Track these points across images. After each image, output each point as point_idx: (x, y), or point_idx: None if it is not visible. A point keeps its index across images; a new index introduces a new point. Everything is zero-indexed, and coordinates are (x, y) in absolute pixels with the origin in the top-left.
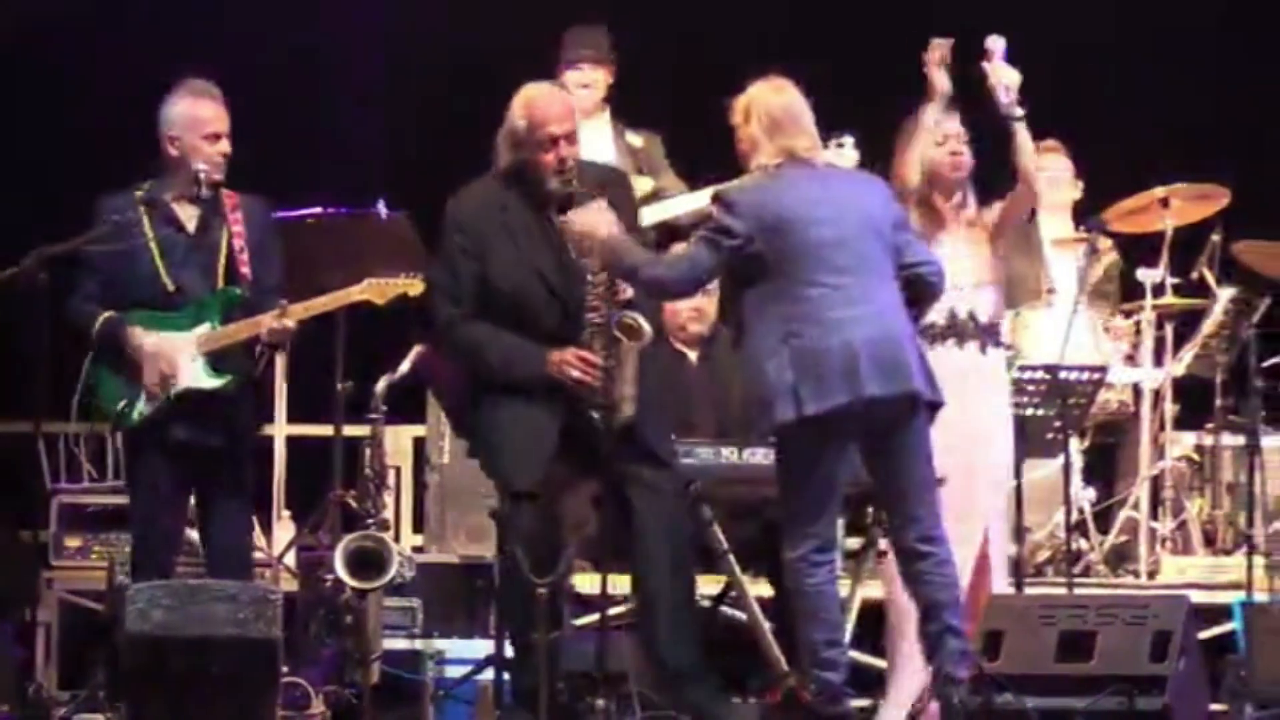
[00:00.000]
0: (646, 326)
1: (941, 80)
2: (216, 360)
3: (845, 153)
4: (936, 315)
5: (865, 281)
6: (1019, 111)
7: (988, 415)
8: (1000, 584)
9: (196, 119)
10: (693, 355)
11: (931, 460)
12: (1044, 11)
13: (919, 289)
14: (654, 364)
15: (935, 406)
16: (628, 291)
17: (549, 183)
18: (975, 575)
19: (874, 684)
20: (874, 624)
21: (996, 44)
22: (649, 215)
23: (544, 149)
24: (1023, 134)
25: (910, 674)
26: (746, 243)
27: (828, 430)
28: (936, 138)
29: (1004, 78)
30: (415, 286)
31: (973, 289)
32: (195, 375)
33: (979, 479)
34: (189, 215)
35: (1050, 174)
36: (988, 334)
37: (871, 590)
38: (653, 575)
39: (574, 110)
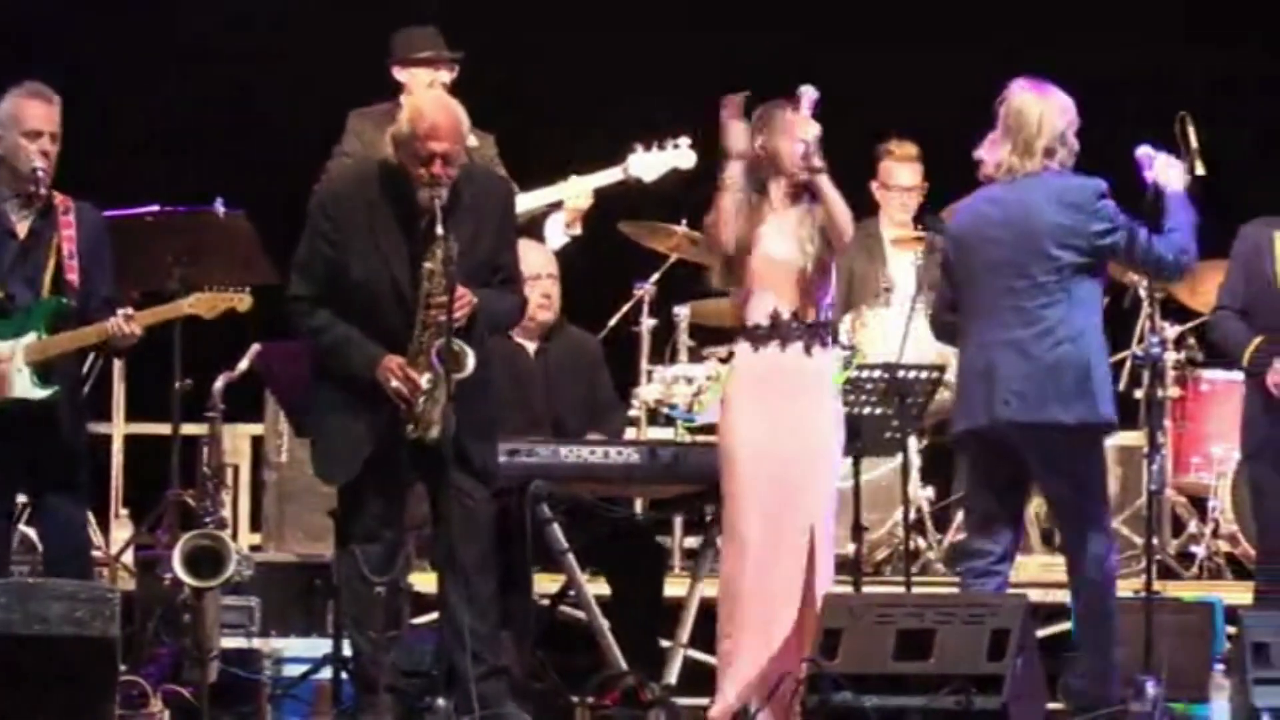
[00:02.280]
0: (470, 359)
1: (734, 136)
2: (43, 370)
3: (682, 154)
4: (760, 317)
5: (1022, 304)
6: (819, 164)
7: (814, 417)
8: (826, 584)
9: (18, 116)
10: (531, 347)
11: (1080, 482)
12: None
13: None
14: (492, 360)
15: (1092, 429)
16: (463, 321)
17: (419, 193)
18: (805, 576)
19: (713, 682)
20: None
21: (807, 95)
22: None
23: (420, 161)
24: (826, 187)
25: (734, 674)
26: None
27: (974, 447)
28: (785, 129)
29: (803, 131)
30: (244, 302)
31: (797, 290)
32: (22, 386)
33: (806, 481)
34: (21, 220)
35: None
36: (814, 335)
37: (713, 589)
38: (455, 580)
39: (461, 130)
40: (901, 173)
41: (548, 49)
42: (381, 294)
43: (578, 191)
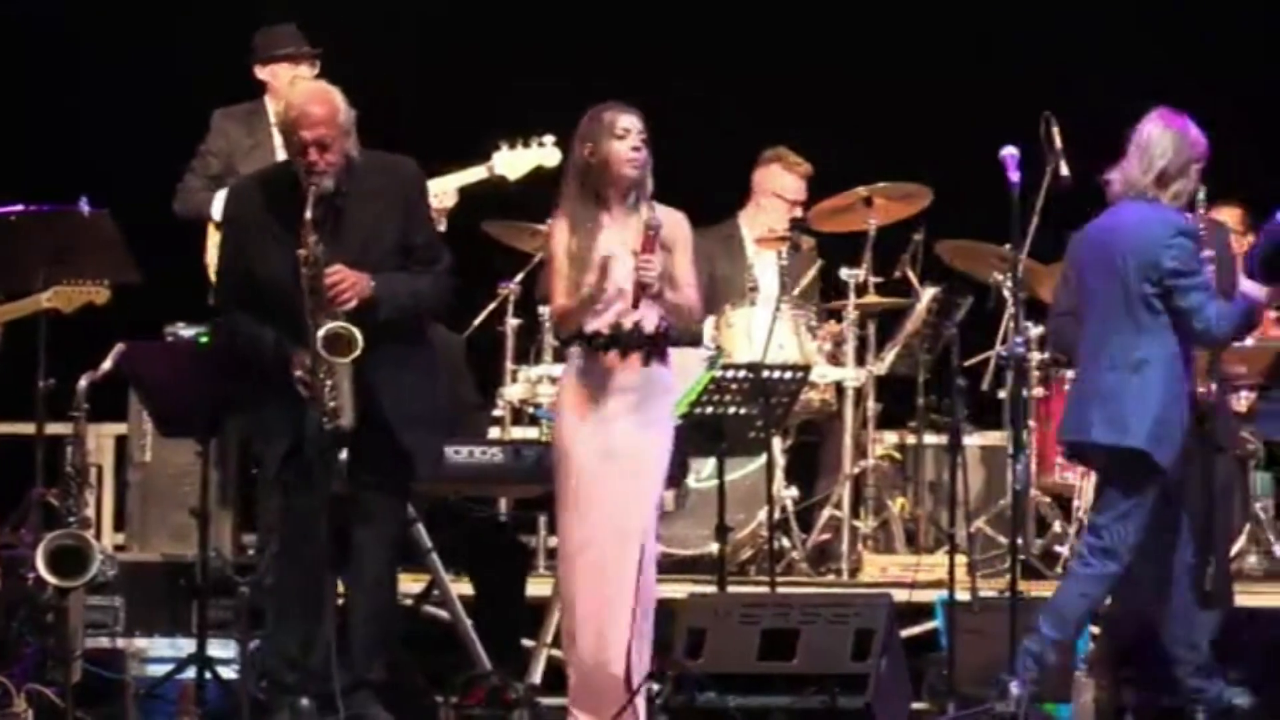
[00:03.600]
0: (358, 340)
1: None
2: None
3: (547, 152)
4: (601, 325)
5: (1098, 325)
6: (654, 292)
7: (647, 429)
8: (651, 586)
9: None
10: None
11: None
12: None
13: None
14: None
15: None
16: (350, 303)
17: (306, 182)
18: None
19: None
20: None
21: (651, 228)
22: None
23: (298, 151)
24: (669, 301)
25: (583, 675)
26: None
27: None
28: (616, 130)
29: (645, 275)
30: (101, 295)
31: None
32: None
33: (638, 491)
34: None
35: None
36: (652, 344)
37: None
38: (357, 584)
39: (334, 114)
40: (791, 184)
41: (412, 45)
42: (289, 289)
43: (441, 190)
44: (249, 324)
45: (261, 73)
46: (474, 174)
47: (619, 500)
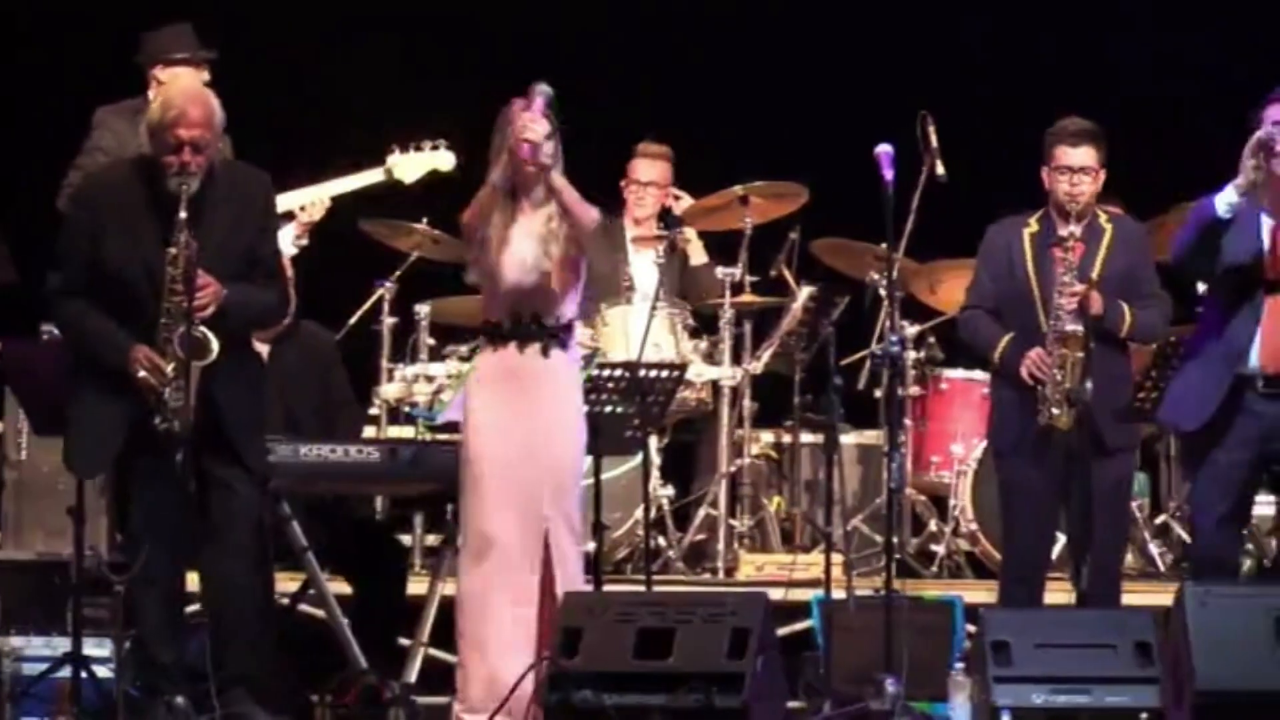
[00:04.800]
0: (214, 345)
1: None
2: None
3: (441, 155)
4: (501, 316)
5: None
6: (546, 160)
7: (551, 418)
8: (573, 583)
9: None
10: (264, 349)
11: None
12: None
13: None
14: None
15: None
16: (209, 310)
17: (169, 181)
18: (544, 576)
19: (454, 680)
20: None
21: (539, 93)
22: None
23: (168, 148)
24: (558, 184)
25: (477, 673)
26: None
27: None
28: (519, 129)
29: (531, 133)
30: None
31: (539, 291)
32: None
33: (546, 482)
34: None
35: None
36: (552, 337)
37: (453, 587)
38: (222, 579)
39: (211, 117)
40: (642, 168)
41: (306, 49)
42: (138, 284)
43: (312, 201)
44: (87, 312)
45: (162, 74)
46: (370, 177)
47: (529, 493)
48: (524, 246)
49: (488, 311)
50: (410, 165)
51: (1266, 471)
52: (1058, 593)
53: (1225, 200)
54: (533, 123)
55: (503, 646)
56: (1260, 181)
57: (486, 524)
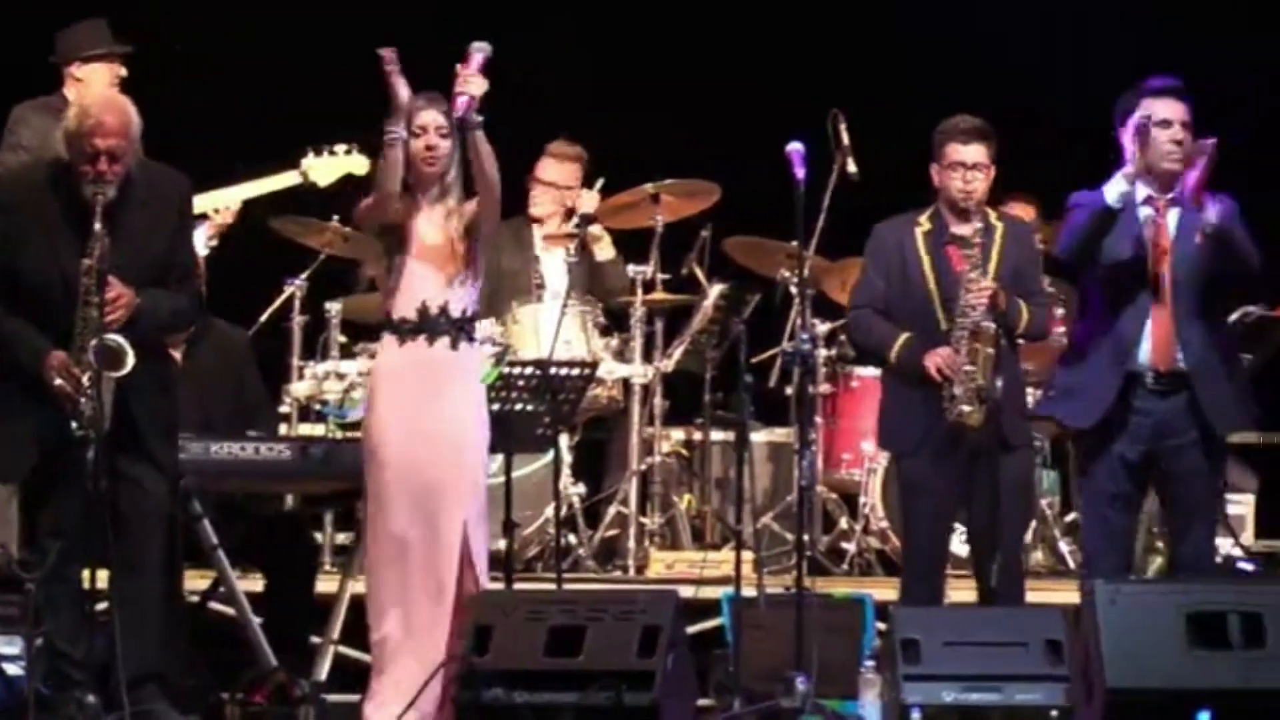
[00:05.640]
0: (129, 356)
1: (402, 90)
2: None
3: (355, 159)
4: (407, 310)
5: None
6: (477, 119)
7: (461, 412)
8: (484, 580)
9: None
10: (177, 353)
11: None
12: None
13: None
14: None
15: None
16: (121, 319)
17: (85, 189)
18: (459, 574)
19: (363, 678)
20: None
21: (479, 51)
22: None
23: (85, 157)
24: (479, 143)
25: (387, 671)
26: None
27: None
28: (413, 129)
29: (471, 87)
30: None
31: (445, 284)
32: None
33: (453, 476)
34: None
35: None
36: (460, 329)
37: (363, 585)
38: (132, 577)
39: (128, 125)
40: (549, 168)
41: (221, 49)
42: (53, 291)
43: (225, 204)
44: (7, 318)
45: (79, 71)
46: (284, 180)
47: (434, 486)
48: (429, 240)
49: (392, 306)
50: (325, 168)
51: (1155, 468)
52: (963, 590)
53: (1116, 189)
54: (472, 78)
55: (413, 644)
56: (1143, 167)
57: (392, 522)
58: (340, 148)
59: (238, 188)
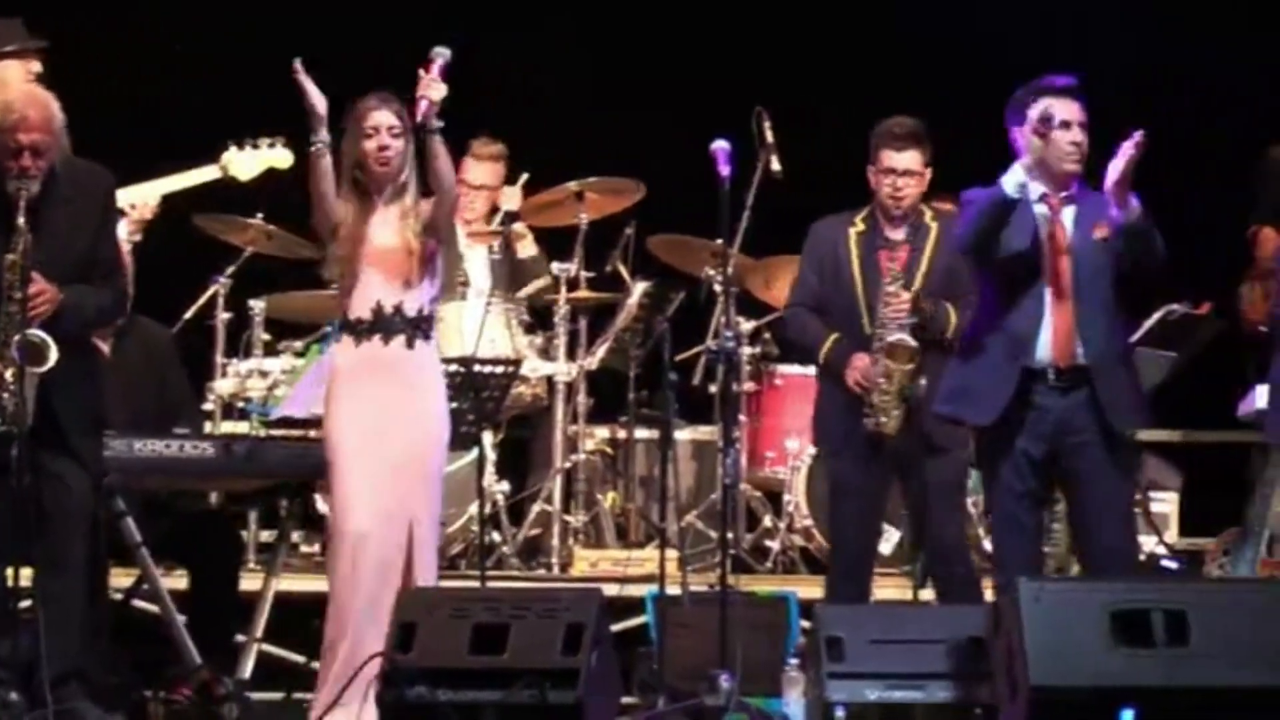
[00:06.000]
0: (52, 352)
1: (313, 95)
2: None
3: (278, 153)
4: (362, 310)
5: None
6: (437, 123)
7: (417, 410)
8: (428, 577)
9: None
10: (105, 347)
11: None
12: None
13: None
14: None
15: None
16: (44, 315)
17: (8, 185)
18: (405, 570)
19: (287, 676)
20: (290, 618)
21: (440, 55)
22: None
23: (8, 153)
24: (437, 147)
25: (340, 668)
26: None
27: None
28: (365, 129)
29: (432, 92)
30: None
31: (400, 284)
32: None
33: (409, 474)
34: None
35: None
36: (415, 328)
37: (287, 584)
38: (55, 574)
39: (51, 120)
40: (474, 170)
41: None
42: None
43: (143, 199)
44: None
45: None
46: (204, 175)
47: (392, 484)
48: (384, 239)
49: (347, 306)
50: (246, 163)
51: (1058, 466)
52: (891, 589)
53: (1014, 180)
54: (434, 83)
55: (366, 641)
56: (1039, 161)
57: (351, 520)
58: (264, 142)
59: (156, 182)
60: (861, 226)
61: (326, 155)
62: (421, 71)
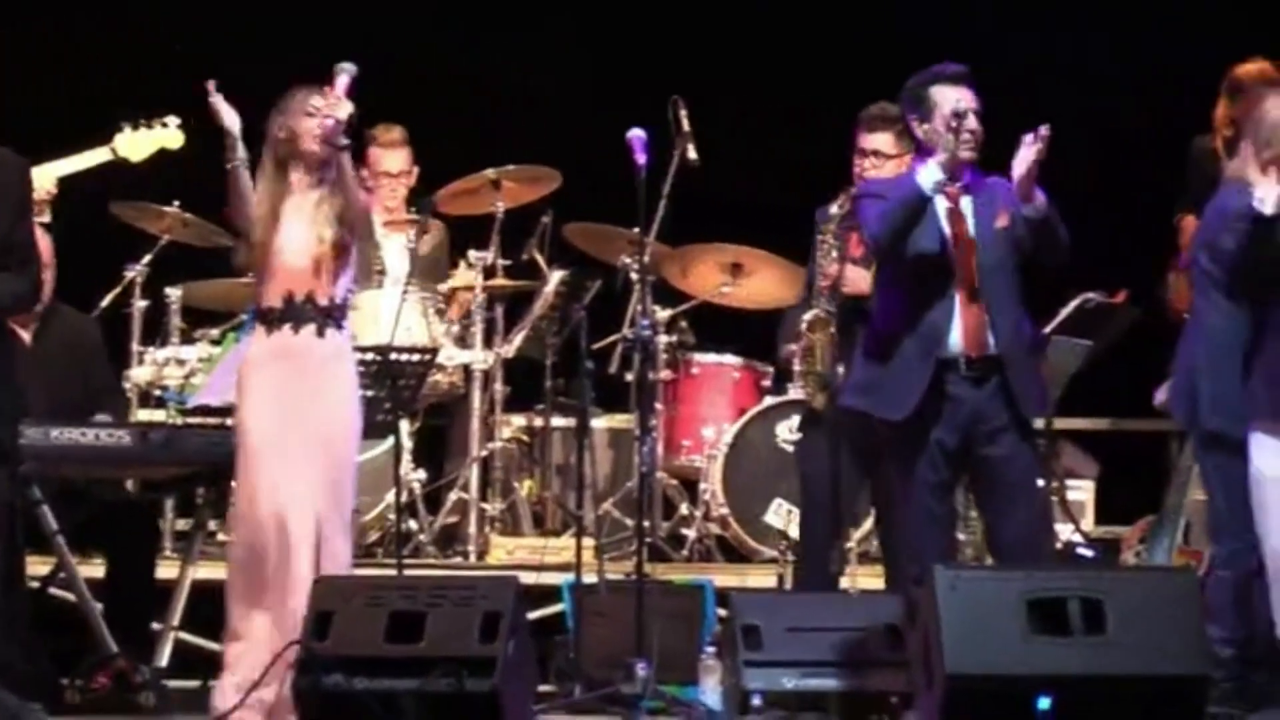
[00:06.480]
0: None
1: (227, 115)
2: None
3: (170, 133)
4: (274, 299)
5: None
6: (343, 142)
7: (329, 400)
8: (342, 568)
9: None
10: (26, 334)
11: None
12: None
13: None
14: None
15: None
16: None
17: None
18: (314, 559)
19: (204, 664)
20: (207, 606)
21: (344, 72)
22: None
23: None
24: (346, 164)
25: (245, 658)
26: None
27: None
28: (306, 108)
29: (338, 110)
30: None
31: (312, 273)
32: None
33: (319, 464)
34: None
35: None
36: (327, 317)
37: (204, 572)
38: None
39: None
40: (388, 159)
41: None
42: None
43: (38, 182)
44: None
45: None
46: (96, 156)
47: (304, 477)
48: (297, 228)
49: (260, 295)
50: (137, 143)
51: (971, 454)
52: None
53: (931, 177)
54: (339, 102)
55: (271, 631)
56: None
57: (259, 509)
58: (156, 122)
59: (50, 165)
60: (838, 209)
61: (244, 172)
62: (325, 90)
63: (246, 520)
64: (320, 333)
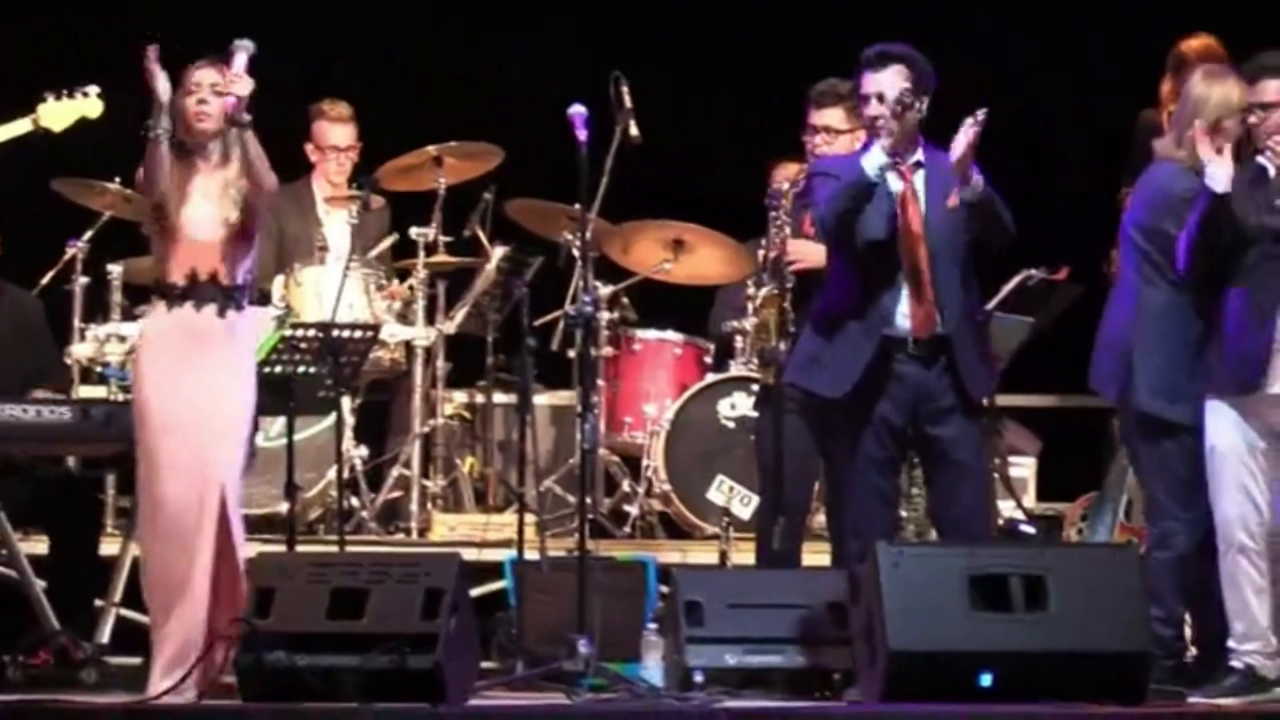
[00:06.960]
0: None
1: (161, 84)
2: None
3: (90, 102)
4: (177, 276)
5: None
6: (246, 118)
7: (224, 379)
8: (241, 547)
9: None
10: None
11: None
12: None
13: None
14: None
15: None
16: None
17: None
18: (219, 536)
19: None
20: None
21: (242, 49)
22: None
23: None
24: (249, 143)
25: (169, 636)
26: None
27: None
28: (188, 86)
29: (238, 87)
30: None
31: (216, 253)
32: None
33: (216, 441)
34: None
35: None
36: (229, 297)
37: None
38: None
39: None
40: (336, 133)
41: None
42: None
43: None
44: None
45: None
46: (18, 127)
47: (200, 455)
48: (204, 207)
49: (163, 270)
50: (58, 113)
51: (918, 433)
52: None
53: (875, 163)
54: (239, 79)
55: (187, 608)
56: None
57: (160, 486)
58: (78, 91)
59: None
60: (789, 186)
61: (164, 143)
62: (224, 68)
63: (151, 498)
64: (221, 313)
